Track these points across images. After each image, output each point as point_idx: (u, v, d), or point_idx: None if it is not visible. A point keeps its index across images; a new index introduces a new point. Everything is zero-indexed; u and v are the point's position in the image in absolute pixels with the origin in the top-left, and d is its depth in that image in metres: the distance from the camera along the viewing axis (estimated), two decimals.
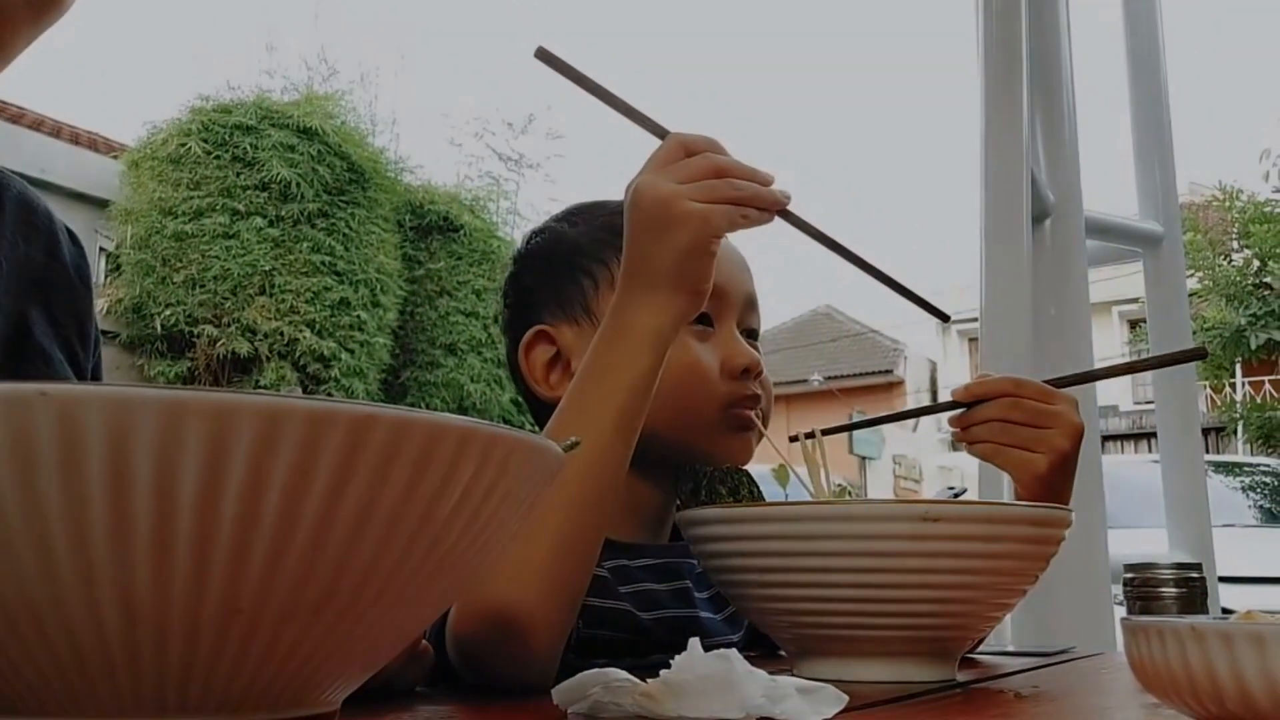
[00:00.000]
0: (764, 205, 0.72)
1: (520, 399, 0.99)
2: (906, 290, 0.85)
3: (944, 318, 0.96)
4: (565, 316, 0.94)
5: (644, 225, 0.72)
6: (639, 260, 0.72)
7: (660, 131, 0.77)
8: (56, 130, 8.78)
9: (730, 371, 0.89)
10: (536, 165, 10.05)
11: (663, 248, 0.71)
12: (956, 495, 1.12)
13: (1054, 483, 0.87)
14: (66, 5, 0.71)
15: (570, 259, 0.95)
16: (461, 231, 9.21)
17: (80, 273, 0.86)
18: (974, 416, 0.89)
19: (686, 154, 0.73)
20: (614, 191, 1.00)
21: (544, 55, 0.77)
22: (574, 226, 0.98)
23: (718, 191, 0.71)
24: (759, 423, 0.90)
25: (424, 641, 0.63)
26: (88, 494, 0.30)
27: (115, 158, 8.69)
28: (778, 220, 0.74)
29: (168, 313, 7.88)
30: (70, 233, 0.87)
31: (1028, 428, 0.87)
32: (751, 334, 0.95)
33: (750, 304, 0.95)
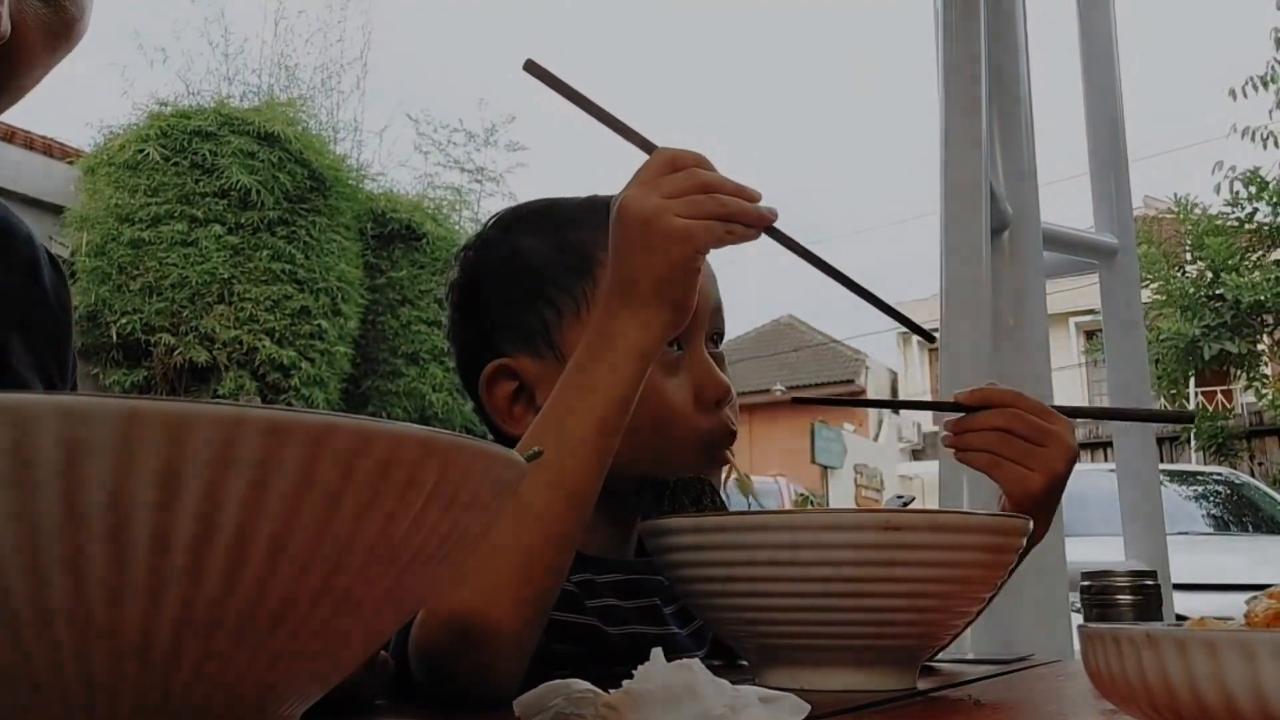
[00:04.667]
0: (750, 222, 0.72)
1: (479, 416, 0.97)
2: (891, 309, 0.85)
3: (929, 338, 0.96)
4: (527, 349, 0.90)
5: (629, 240, 0.71)
6: (623, 275, 0.72)
7: (647, 146, 0.76)
8: (10, 135, 8.62)
9: (705, 403, 0.88)
10: (499, 177, 10.02)
11: (647, 263, 0.70)
12: (905, 504, 1.13)
13: (1045, 504, 0.87)
14: (78, 37, 0.71)
15: (530, 284, 0.90)
16: (424, 240, 9.16)
17: (60, 299, 0.84)
18: (974, 423, 0.88)
19: (673, 169, 0.72)
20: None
21: (532, 68, 0.76)
22: (529, 238, 0.93)
23: (704, 207, 0.70)
24: (730, 457, 0.90)
25: (384, 653, 0.62)
26: (40, 505, 0.29)
27: (71, 164, 8.55)
28: (761, 236, 0.74)
29: (124, 321, 7.76)
30: (52, 257, 0.85)
31: (1026, 442, 0.86)
32: (717, 337, 0.94)
33: (717, 311, 0.94)
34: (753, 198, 0.72)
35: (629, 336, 0.71)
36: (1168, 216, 10.74)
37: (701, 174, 0.72)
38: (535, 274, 0.91)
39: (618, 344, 0.71)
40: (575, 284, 0.89)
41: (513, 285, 0.92)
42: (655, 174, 0.72)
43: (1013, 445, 0.87)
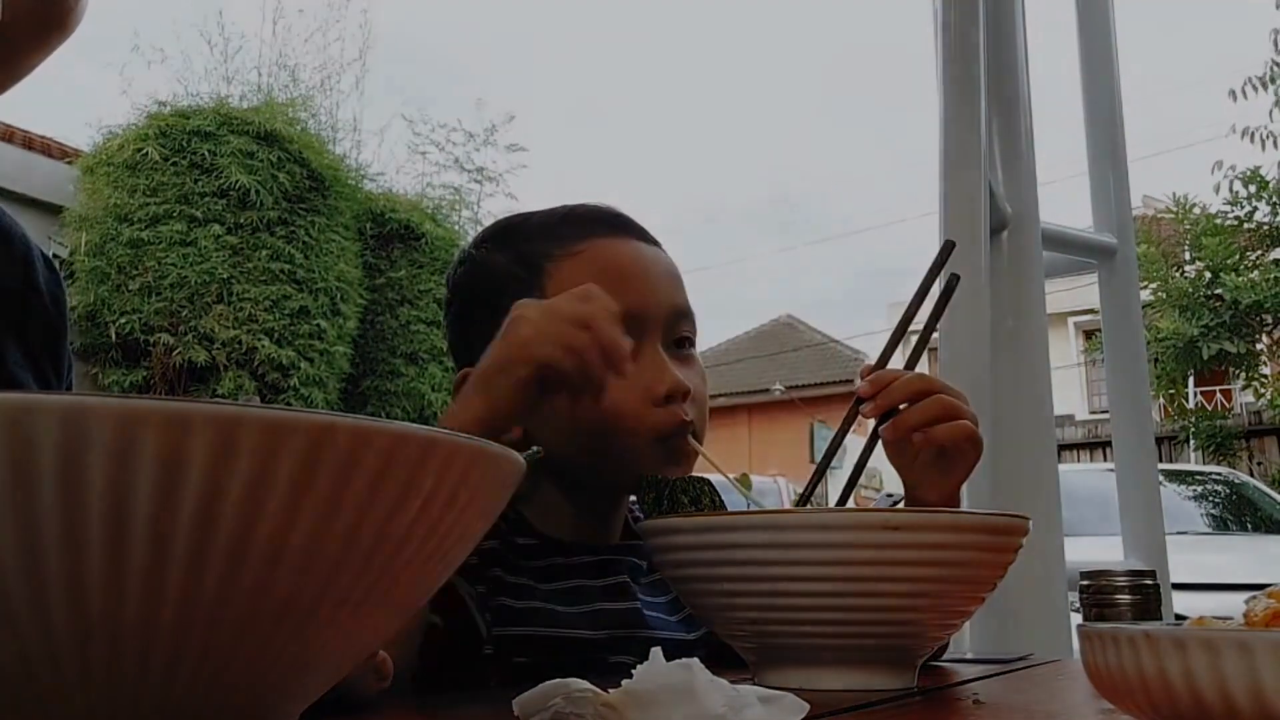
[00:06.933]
0: (593, 369, 0.76)
1: None
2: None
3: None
4: None
5: (501, 332, 0.78)
6: (480, 360, 0.78)
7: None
8: (8, 135, 8.62)
9: (654, 399, 0.88)
10: (498, 177, 10.02)
11: (491, 353, 0.77)
12: (895, 503, 1.13)
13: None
14: (71, 27, 0.70)
15: (489, 297, 0.94)
16: (423, 240, 9.15)
17: (56, 300, 0.85)
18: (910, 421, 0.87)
19: (582, 300, 0.78)
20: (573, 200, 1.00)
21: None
22: (492, 254, 0.98)
23: (566, 334, 0.76)
24: (694, 443, 0.90)
25: (382, 653, 0.62)
26: (39, 504, 0.29)
27: (70, 163, 8.55)
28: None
29: (123, 320, 7.75)
30: (46, 259, 0.86)
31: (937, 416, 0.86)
32: (684, 342, 0.95)
33: (678, 315, 0.94)
34: (615, 359, 0.77)
35: (455, 417, 0.77)
36: (1166, 216, 10.73)
37: (593, 313, 0.77)
38: (494, 289, 0.94)
39: (447, 419, 0.77)
40: (525, 293, 0.92)
41: (477, 298, 0.97)
42: (567, 297, 0.79)
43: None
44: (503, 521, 0.92)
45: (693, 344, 0.96)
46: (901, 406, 0.85)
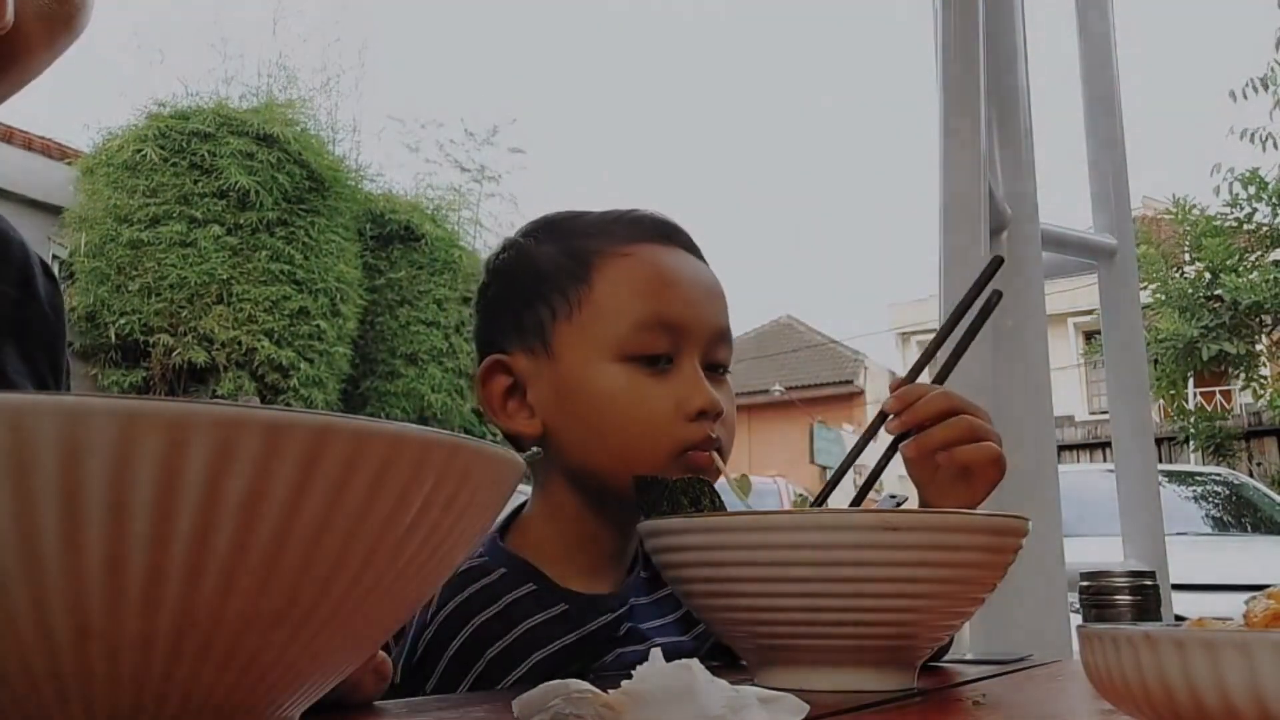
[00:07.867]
0: None
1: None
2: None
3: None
4: (522, 345, 0.92)
5: None
6: None
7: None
8: (8, 135, 8.62)
9: (686, 414, 0.87)
10: (498, 177, 10.04)
11: None
12: (899, 504, 1.12)
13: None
14: (80, 26, 0.70)
15: (531, 285, 0.93)
16: (423, 240, 9.17)
17: (54, 307, 0.85)
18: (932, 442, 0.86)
19: None
20: (572, 205, 1.00)
21: None
22: (540, 244, 0.95)
23: None
24: (718, 460, 0.89)
25: (382, 653, 0.62)
26: (38, 506, 0.29)
27: (69, 164, 8.57)
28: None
29: (122, 321, 7.77)
30: (45, 265, 0.86)
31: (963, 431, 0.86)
32: (718, 367, 0.93)
33: (719, 337, 0.93)
34: None
35: None
36: (1166, 217, 10.75)
37: None
38: (538, 277, 0.93)
39: None
40: (571, 286, 0.91)
41: (518, 287, 0.94)
42: None
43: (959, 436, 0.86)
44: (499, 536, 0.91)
45: (727, 369, 0.95)
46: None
